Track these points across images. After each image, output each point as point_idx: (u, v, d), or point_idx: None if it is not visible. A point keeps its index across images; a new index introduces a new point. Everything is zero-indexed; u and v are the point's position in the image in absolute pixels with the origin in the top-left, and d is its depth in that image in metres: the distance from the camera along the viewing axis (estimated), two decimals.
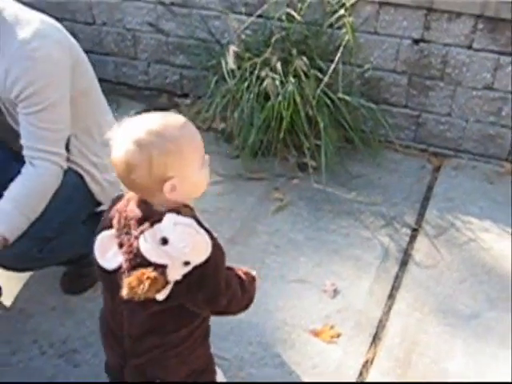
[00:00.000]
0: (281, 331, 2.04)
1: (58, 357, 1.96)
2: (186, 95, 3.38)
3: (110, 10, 3.30)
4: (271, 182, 2.75)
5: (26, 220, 1.72)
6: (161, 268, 1.18)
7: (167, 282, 1.19)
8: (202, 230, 1.22)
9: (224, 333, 2.02)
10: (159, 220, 1.20)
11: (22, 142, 1.75)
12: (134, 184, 1.22)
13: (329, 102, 2.68)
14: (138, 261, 1.20)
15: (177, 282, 1.22)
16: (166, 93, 3.45)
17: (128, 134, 1.20)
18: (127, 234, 1.23)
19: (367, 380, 1.89)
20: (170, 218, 1.20)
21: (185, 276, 1.21)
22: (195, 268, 1.22)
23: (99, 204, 2.05)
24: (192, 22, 3.12)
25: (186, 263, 1.20)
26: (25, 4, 3.38)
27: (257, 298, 2.14)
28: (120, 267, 1.24)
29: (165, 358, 1.38)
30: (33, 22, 1.71)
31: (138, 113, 1.27)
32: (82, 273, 2.13)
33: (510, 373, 1.90)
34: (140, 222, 1.22)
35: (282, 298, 2.16)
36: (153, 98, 3.45)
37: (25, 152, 1.76)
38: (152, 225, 1.20)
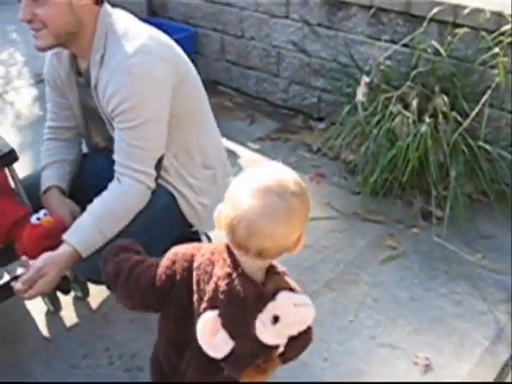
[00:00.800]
0: None
1: (124, 370, 1.94)
2: (321, 119, 3.25)
3: (259, 25, 3.27)
4: (387, 227, 2.52)
5: (102, 237, 1.68)
6: (275, 349, 1.12)
7: None
8: (310, 301, 1.12)
9: None
10: (272, 298, 1.09)
11: (114, 156, 1.74)
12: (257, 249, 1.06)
13: (466, 148, 2.39)
14: (256, 347, 1.09)
15: None
16: (303, 114, 3.34)
17: (264, 198, 1.04)
18: (235, 316, 1.10)
19: None
20: (287, 298, 1.10)
21: None
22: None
23: (191, 226, 1.99)
24: (336, 46, 2.98)
25: None
26: (180, 14, 3.47)
27: (340, 354, 1.97)
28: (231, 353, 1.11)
29: None
30: (140, 37, 1.68)
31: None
32: None
33: None
34: (251, 302, 1.08)
35: (366, 362, 1.94)
36: (288, 118, 3.37)
37: (115, 167, 1.74)
38: (265, 304, 1.08)
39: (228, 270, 1.11)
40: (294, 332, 1.12)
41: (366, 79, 2.47)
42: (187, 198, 1.90)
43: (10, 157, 1.79)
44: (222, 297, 1.09)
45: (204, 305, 1.13)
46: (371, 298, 2.18)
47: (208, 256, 1.16)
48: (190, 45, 3.43)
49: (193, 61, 1.91)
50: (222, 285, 1.10)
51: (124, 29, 1.71)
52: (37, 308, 2.14)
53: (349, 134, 2.66)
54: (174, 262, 1.21)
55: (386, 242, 2.45)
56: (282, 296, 1.09)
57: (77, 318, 2.13)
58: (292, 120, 3.35)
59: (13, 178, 1.87)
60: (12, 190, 1.90)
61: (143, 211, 1.76)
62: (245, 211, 1.03)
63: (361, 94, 2.46)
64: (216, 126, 2.02)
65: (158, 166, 1.78)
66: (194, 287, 1.17)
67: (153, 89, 1.67)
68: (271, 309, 1.07)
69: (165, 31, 1.82)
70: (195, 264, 1.18)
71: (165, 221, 1.88)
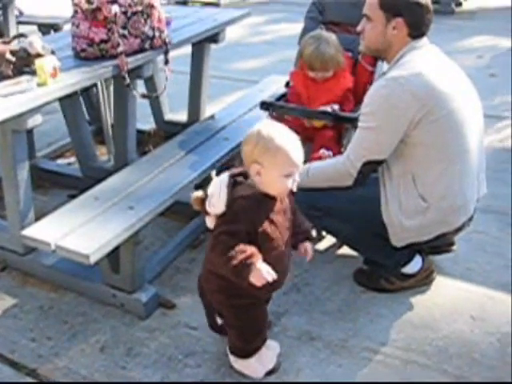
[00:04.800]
0: None
1: None
2: None
3: None
4: None
5: (307, 179, 2.31)
6: (206, 197, 1.82)
7: (207, 212, 1.83)
8: (225, 190, 1.77)
9: None
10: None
11: None
12: (243, 154, 1.82)
13: None
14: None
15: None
16: None
17: (262, 126, 1.79)
18: None
19: None
20: (223, 173, 1.83)
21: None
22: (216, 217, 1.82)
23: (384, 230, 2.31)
24: None
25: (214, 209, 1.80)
26: None
27: None
28: None
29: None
30: (407, 70, 2.14)
31: None
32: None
33: None
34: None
35: None
36: None
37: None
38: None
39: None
40: (210, 201, 1.80)
41: None
42: (390, 206, 2.26)
43: None
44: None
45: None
46: None
47: None
48: None
49: None
50: None
51: (408, 61, 2.19)
52: None
53: None
54: None
55: None
56: (225, 172, 1.83)
57: None
58: None
59: None
60: None
61: (349, 188, 2.29)
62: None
63: None
64: (468, 172, 2.25)
65: (371, 166, 2.24)
66: None
67: (384, 110, 2.16)
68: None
69: None
70: None
71: (365, 209, 2.32)
